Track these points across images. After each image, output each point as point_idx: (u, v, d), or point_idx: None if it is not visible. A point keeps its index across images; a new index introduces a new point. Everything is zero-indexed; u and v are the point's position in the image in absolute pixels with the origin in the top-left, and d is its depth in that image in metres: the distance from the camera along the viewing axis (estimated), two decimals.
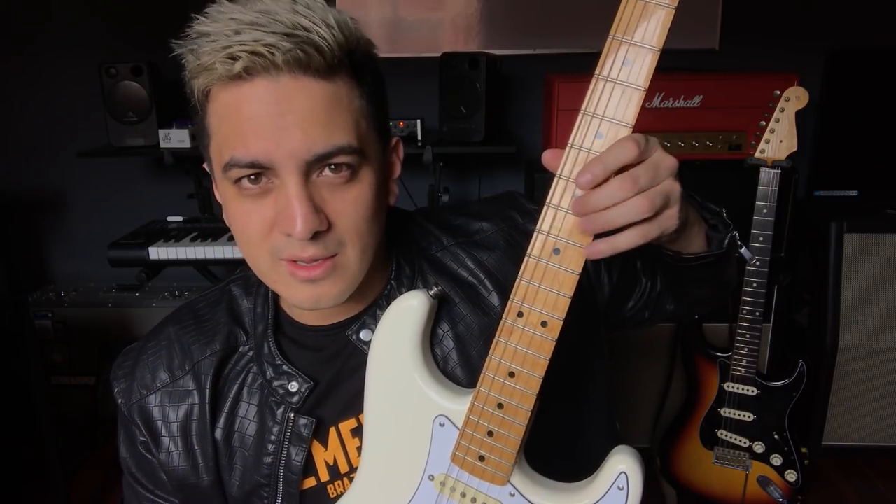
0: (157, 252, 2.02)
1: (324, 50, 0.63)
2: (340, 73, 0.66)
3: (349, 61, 0.67)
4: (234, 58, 0.62)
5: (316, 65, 0.63)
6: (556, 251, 0.61)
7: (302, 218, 0.65)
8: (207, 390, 0.81)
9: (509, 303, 0.64)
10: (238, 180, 0.67)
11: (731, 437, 1.87)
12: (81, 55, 2.55)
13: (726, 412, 1.86)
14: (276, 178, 0.66)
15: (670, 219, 0.60)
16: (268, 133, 0.64)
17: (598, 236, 0.59)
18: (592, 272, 0.87)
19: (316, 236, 0.67)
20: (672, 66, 2.21)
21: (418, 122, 2.29)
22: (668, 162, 0.59)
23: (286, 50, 0.61)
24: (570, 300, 0.62)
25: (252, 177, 0.66)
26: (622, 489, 0.67)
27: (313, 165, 0.66)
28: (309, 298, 0.71)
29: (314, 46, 0.62)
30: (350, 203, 0.69)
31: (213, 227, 2.19)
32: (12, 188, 2.75)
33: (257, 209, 0.68)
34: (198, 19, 0.64)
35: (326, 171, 0.67)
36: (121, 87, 2.26)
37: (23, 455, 2.37)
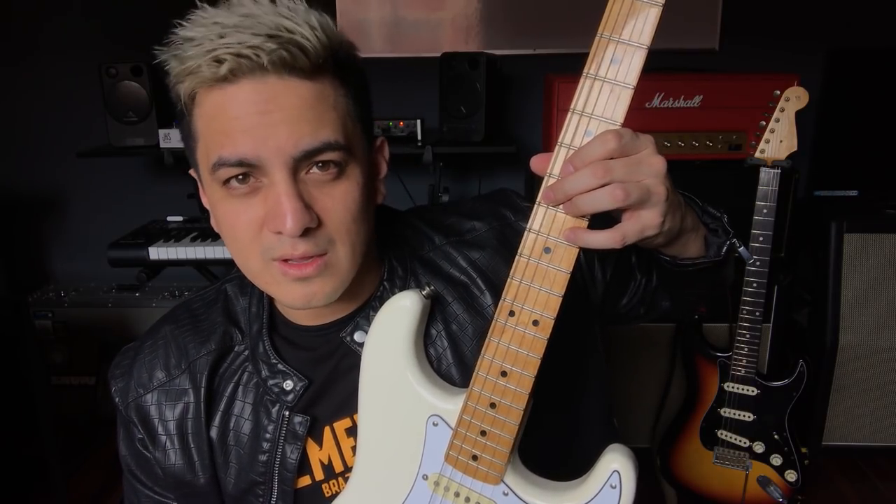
0: (157, 252, 2.03)
1: (308, 50, 0.63)
2: (325, 74, 0.67)
3: (333, 62, 0.67)
4: (219, 60, 0.62)
5: (301, 65, 0.64)
6: (547, 250, 0.61)
7: (292, 214, 0.65)
8: (202, 389, 0.82)
9: (501, 302, 0.64)
10: (226, 182, 0.67)
11: (731, 437, 1.86)
12: (81, 55, 2.55)
13: (726, 412, 1.86)
14: (265, 178, 0.66)
15: (649, 221, 0.59)
16: (255, 131, 0.64)
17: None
18: (586, 268, 0.86)
19: (306, 233, 0.67)
20: (672, 66, 2.21)
21: (418, 122, 2.28)
22: (653, 161, 0.58)
23: (270, 51, 0.61)
24: (561, 299, 0.61)
25: (240, 177, 0.66)
26: (615, 488, 0.67)
27: (301, 162, 0.66)
28: (301, 297, 0.71)
29: (298, 47, 0.63)
30: (339, 200, 0.69)
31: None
32: (12, 188, 2.75)
33: (246, 209, 0.68)
34: (181, 25, 0.64)
35: (314, 170, 0.67)
36: (121, 87, 2.26)
37: (23, 455, 2.37)
